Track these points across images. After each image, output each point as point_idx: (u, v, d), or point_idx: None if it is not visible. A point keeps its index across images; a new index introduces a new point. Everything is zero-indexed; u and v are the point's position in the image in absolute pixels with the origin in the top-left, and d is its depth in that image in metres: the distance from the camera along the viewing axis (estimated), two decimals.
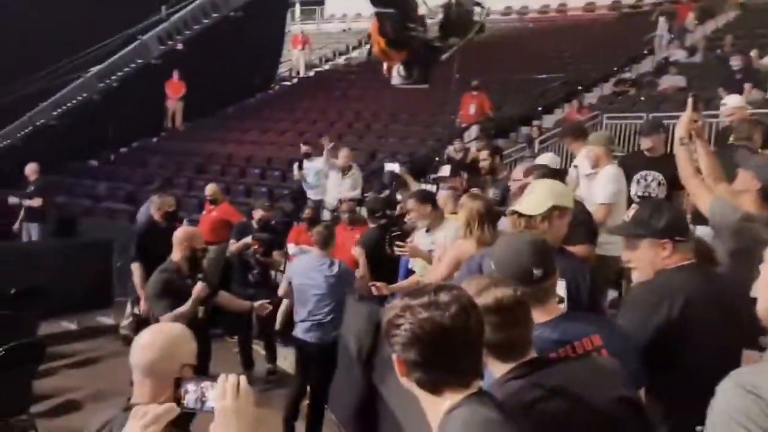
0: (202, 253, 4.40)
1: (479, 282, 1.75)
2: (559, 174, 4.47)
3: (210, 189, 7.81)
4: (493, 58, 14.61)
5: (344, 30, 24.61)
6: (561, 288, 2.27)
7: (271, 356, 6.39)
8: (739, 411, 1.27)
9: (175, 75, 14.43)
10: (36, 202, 9.14)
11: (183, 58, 12.46)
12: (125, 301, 7.18)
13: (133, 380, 2.00)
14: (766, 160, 3.38)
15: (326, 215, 8.47)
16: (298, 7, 25.36)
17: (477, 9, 3.37)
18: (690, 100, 2.98)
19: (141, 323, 5.18)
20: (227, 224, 7.31)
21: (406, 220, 5.19)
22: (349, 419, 5.11)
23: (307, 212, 7.03)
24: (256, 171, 12.30)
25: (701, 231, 3.54)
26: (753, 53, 10.51)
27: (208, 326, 4.54)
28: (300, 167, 9.14)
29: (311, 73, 20.18)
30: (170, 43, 10.99)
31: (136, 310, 6.47)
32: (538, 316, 1.86)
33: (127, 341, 6.10)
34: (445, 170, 7.48)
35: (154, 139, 15.27)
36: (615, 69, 14.20)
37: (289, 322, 5.49)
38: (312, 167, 8.86)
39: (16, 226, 9.42)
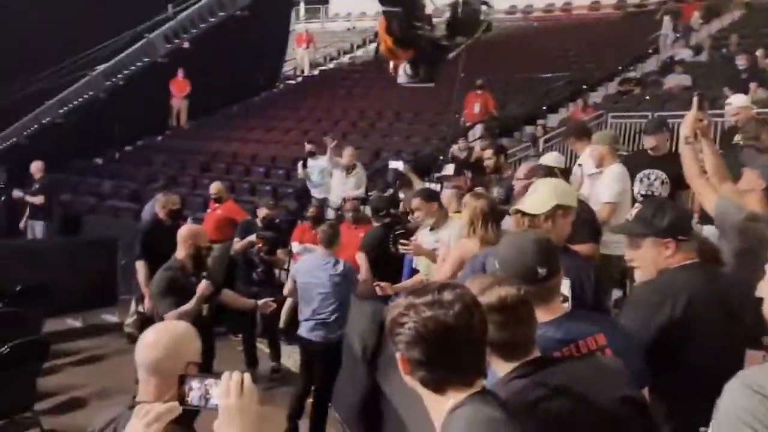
0: (206, 251, 4.40)
1: (483, 281, 1.75)
2: (564, 173, 4.47)
3: (214, 187, 7.84)
4: (497, 57, 14.57)
5: (349, 29, 24.61)
6: (565, 287, 2.26)
7: (275, 354, 6.39)
8: (746, 411, 1.27)
9: (180, 73, 14.47)
10: (38, 199, 9.18)
11: (188, 56, 12.48)
12: (130, 298, 7.18)
13: (138, 378, 2.00)
14: None
15: (330, 214, 8.48)
16: (302, 6, 25.32)
17: (484, 8, 3.36)
18: (695, 99, 2.96)
19: (145, 321, 5.20)
20: (232, 222, 7.33)
21: (410, 218, 5.19)
22: (352, 418, 5.10)
23: (311, 211, 7.02)
24: (261, 169, 12.33)
25: (708, 231, 3.53)
26: (758, 52, 10.47)
27: (212, 324, 4.56)
28: (304, 166, 9.16)
29: (316, 72, 20.20)
30: (177, 41, 10.98)
31: (140, 308, 6.47)
32: (542, 315, 1.86)
33: (132, 339, 6.16)
34: (450, 169, 7.49)
35: (159, 138, 15.33)
36: (620, 68, 14.16)
37: (293, 320, 5.50)
38: (316, 166, 8.88)
39: (21, 223, 9.47)
